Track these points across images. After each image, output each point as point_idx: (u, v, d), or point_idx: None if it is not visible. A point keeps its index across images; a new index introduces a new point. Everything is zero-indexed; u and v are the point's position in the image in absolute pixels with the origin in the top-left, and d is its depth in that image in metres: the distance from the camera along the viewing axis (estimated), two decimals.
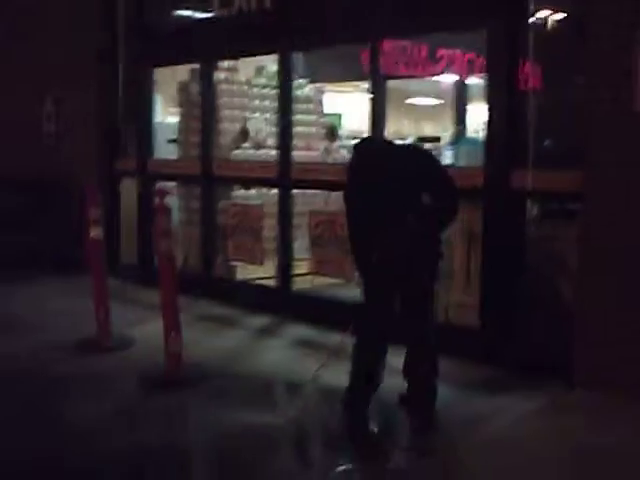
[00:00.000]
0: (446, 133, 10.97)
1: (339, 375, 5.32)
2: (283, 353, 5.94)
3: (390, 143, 5.74)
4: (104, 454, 4.83)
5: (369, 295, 5.29)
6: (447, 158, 8.44)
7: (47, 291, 9.56)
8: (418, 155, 5.48)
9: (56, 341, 7.30)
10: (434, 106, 15.00)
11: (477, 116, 9.63)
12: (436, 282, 5.46)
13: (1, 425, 5.33)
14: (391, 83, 7.51)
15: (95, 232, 7.39)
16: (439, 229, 5.33)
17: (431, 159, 5.42)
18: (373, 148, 5.53)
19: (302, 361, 6.50)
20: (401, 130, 13.34)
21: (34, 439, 5.06)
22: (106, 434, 5.14)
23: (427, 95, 14.63)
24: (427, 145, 8.83)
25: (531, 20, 6.47)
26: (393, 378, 5.35)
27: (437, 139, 10.01)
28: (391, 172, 5.14)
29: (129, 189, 10.37)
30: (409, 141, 9.76)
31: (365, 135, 7.30)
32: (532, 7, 6.43)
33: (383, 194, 5.10)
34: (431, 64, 9.60)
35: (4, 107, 12.05)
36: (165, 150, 10.25)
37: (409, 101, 14.49)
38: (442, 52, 9.52)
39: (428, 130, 14.15)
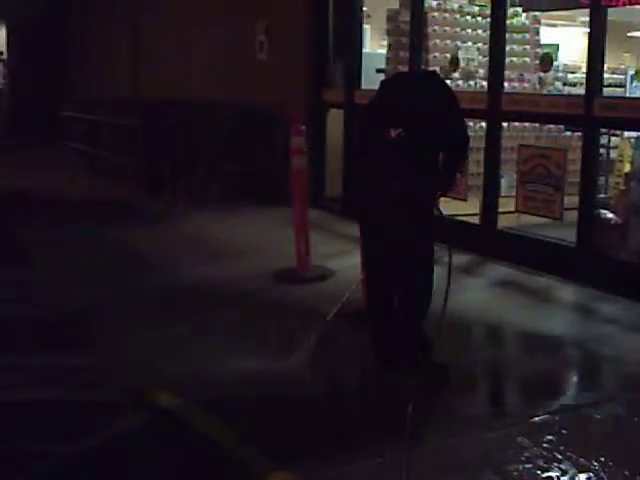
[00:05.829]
0: None
1: None
2: (481, 294, 5.67)
3: (415, 75, 5.89)
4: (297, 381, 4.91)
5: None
6: None
7: (252, 219, 9.72)
8: (430, 83, 5.16)
9: (256, 269, 7.38)
10: None
11: None
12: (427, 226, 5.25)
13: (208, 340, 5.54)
14: (611, 14, 6.99)
15: (298, 161, 7.35)
16: (451, 163, 5.19)
17: (443, 87, 5.11)
18: (397, 81, 5.41)
19: (501, 303, 6.21)
20: (621, 64, 12.61)
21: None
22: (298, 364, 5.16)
23: None
24: None
25: None
26: None
27: None
28: (407, 101, 4.93)
29: (336, 121, 10.28)
30: (630, 73, 9.14)
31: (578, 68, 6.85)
32: None
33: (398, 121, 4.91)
34: None
35: (221, 35, 12.28)
36: (373, 81, 10.06)
37: (631, 34, 13.66)
38: None
39: None
